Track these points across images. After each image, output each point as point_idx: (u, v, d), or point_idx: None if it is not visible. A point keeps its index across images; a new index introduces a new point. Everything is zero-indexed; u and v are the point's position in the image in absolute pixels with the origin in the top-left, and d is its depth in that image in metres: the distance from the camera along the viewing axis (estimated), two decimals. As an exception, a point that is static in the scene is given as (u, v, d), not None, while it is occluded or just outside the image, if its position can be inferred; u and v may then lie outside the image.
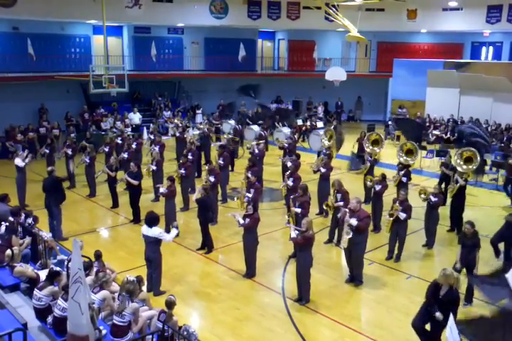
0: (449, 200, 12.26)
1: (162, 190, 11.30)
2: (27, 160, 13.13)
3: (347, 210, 9.09)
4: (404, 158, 13.57)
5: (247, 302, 8.68)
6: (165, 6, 22.75)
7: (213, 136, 19.84)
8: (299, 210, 10.23)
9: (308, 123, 22.55)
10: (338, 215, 9.39)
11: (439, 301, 6.71)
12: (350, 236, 8.89)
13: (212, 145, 17.73)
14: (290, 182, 12.01)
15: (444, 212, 11.96)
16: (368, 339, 7.59)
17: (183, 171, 12.85)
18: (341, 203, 10.59)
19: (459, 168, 12.43)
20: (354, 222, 8.87)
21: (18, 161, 13.01)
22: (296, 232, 8.45)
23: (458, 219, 11.74)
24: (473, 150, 12.77)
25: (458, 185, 11.69)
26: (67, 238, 10.86)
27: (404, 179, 12.50)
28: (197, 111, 24.59)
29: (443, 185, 13.14)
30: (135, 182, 12.12)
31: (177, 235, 11.22)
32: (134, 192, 12.35)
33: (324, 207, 11.12)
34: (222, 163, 13.77)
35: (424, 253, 10.73)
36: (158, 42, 24.27)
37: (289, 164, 13.69)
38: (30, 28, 21.07)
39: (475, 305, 8.39)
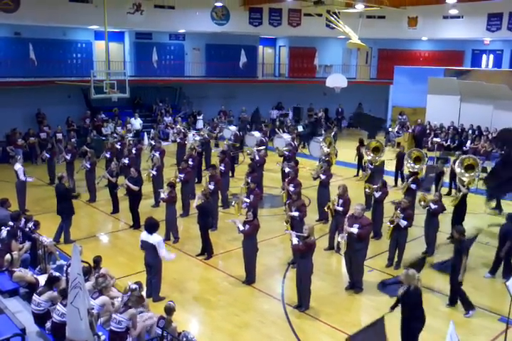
0: (450, 208, 12.21)
1: (163, 195, 11.30)
2: (30, 179, 13.19)
3: (346, 220, 9.15)
4: (412, 165, 13.57)
5: (246, 308, 8.65)
6: (166, 12, 22.84)
7: (213, 142, 19.85)
8: (296, 214, 10.23)
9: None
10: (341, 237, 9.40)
11: (400, 299, 6.92)
12: (344, 241, 9.00)
13: (213, 151, 17.74)
14: (291, 188, 12.01)
15: (444, 219, 11.95)
16: (368, 347, 7.55)
17: (182, 175, 12.84)
18: (341, 208, 10.61)
19: (460, 177, 12.42)
20: (355, 230, 8.88)
21: (19, 168, 13.03)
22: (297, 239, 8.45)
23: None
24: (474, 158, 12.78)
25: (461, 193, 11.67)
26: (74, 240, 10.91)
27: (413, 186, 12.48)
28: (198, 117, 24.64)
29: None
30: (135, 188, 12.12)
31: (176, 240, 11.33)
32: (134, 198, 12.35)
33: (325, 209, 11.13)
34: (223, 169, 13.76)
35: (424, 261, 10.70)
36: (159, 48, 24.34)
37: (286, 170, 13.72)
38: (32, 33, 21.13)
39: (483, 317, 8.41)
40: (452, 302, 8.66)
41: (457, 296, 8.55)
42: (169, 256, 8.64)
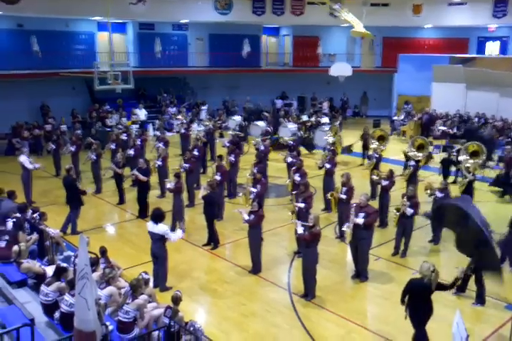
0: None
1: (169, 185, 11.31)
2: (37, 166, 13.19)
3: (352, 209, 9.14)
4: (415, 152, 13.56)
5: (253, 298, 8.70)
6: (169, 2, 22.71)
7: (217, 132, 19.82)
8: (302, 205, 10.22)
9: (313, 119, 22.49)
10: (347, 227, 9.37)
11: (409, 290, 6.86)
12: (350, 230, 9.03)
13: (216, 141, 17.70)
14: (297, 178, 12.00)
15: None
16: (374, 335, 7.59)
17: (187, 165, 12.84)
18: (344, 196, 10.64)
19: (466, 163, 12.42)
20: (361, 220, 8.89)
21: (24, 159, 13.05)
22: (303, 228, 8.46)
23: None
24: (478, 144, 12.75)
25: (467, 180, 11.66)
26: (81, 232, 10.93)
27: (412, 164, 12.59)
28: (202, 108, 24.61)
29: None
30: (144, 178, 12.16)
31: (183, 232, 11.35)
32: (143, 188, 12.40)
33: (329, 197, 11.18)
34: (233, 159, 13.71)
35: (430, 249, 10.71)
36: (162, 38, 24.29)
37: (289, 159, 13.70)
38: (35, 25, 21.09)
39: (489, 305, 8.39)
40: (480, 301, 8.49)
41: (482, 294, 8.44)
42: (178, 236, 8.66)
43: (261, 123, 20.14)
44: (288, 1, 25.25)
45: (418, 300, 6.74)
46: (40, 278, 7.72)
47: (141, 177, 12.15)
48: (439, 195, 10.62)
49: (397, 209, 9.99)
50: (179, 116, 20.69)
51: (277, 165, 16.38)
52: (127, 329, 6.46)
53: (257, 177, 11.74)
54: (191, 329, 6.69)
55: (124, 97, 22.84)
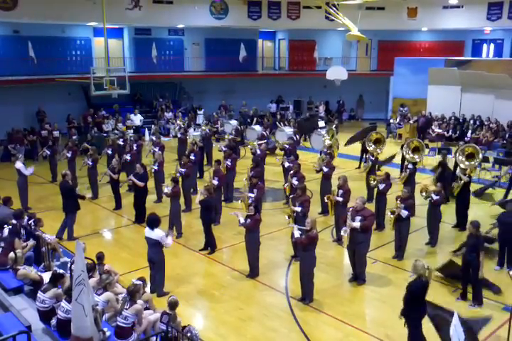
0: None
1: (166, 189, 11.31)
2: (31, 170, 13.16)
3: (349, 214, 9.14)
4: (411, 155, 13.59)
5: (250, 302, 8.69)
6: (165, 8, 22.79)
7: (214, 136, 19.84)
8: (299, 209, 10.21)
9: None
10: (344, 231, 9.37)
11: (407, 290, 6.86)
12: (347, 234, 9.04)
13: (214, 146, 17.72)
14: (294, 181, 12.00)
15: (446, 209, 11.94)
16: (373, 338, 7.59)
17: (183, 170, 12.84)
18: (340, 199, 10.68)
19: (461, 165, 12.47)
20: (357, 224, 8.90)
21: (20, 165, 13.04)
22: (300, 232, 8.46)
23: (462, 215, 11.75)
24: (474, 146, 12.81)
25: (462, 182, 11.69)
26: (77, 238, 10.90)
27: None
28: (198, 112, 24.65)
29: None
30: (141, 184, 12.15)
31: (180, 235, 11.37)
32: (140, 194, 12.38)
33: (325, 200, 11.19)
34: (230, 164, 13.70)
35: (426, 251, 10.72)
36: (158, 43, 24.30)
37: (286, 164, 13.70)
38: (31, 31, 21.11)
39: (486, 306, 8.39)
40: (477, 303, 8.47)
41: (480, 295, 8.46)
42: (170, 241, 8.64)
43: (257, 128, 20.16)
44: (284, 5, 25.33)
45: (417, 300, 6.75)
46: (36, 284, 7.69)
47: (138, 182, 12.13)
48: (434, 197, 10.64)
49: (392, 212, 9.99)
50: (178, 121, 20.70)
51: (274, 169, 16.40)
52: (125, 335, 6.43)
53: (253, 182, 11.74)
54: (189, 334, 6.68)
55: (120, 102, 22.86)
